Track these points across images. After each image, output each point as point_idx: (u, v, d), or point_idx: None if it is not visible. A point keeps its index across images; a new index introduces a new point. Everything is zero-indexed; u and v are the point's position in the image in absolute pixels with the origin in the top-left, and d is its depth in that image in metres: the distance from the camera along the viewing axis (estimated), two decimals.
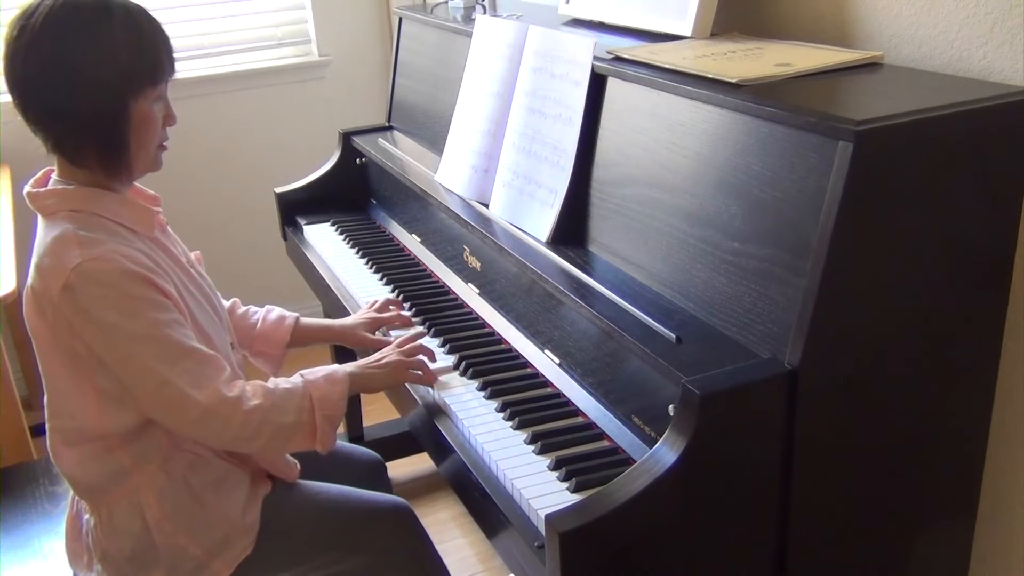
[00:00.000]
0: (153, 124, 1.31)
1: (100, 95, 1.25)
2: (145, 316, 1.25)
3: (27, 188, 1.33)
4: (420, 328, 1.73)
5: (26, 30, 1.23)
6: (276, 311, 1.70)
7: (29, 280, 1.27)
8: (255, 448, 1.35)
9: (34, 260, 1.27)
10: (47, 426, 1.36)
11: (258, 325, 1.67)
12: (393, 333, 1.72)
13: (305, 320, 1.72)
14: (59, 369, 1.31)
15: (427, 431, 1.51)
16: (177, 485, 1.37)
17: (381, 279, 1.97)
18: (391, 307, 1.78)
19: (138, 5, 1.30)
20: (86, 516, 1.40)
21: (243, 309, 1.69)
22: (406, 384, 1.57)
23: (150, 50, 1.29)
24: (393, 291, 1.90)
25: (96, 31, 1.24)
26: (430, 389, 1.54)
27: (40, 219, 1.31)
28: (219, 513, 1.39)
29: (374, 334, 1.72)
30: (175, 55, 1.33)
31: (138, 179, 1.38)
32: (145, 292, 1.26)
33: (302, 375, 1.40)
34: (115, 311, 1.23)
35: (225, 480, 1.41)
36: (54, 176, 1.33)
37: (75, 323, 1.24)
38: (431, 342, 1.67)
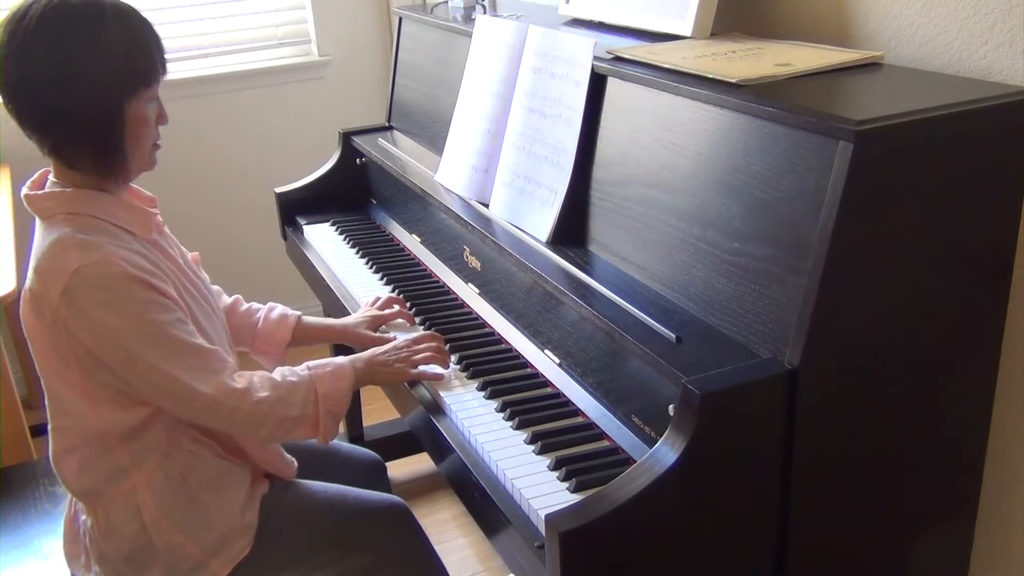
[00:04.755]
0: (148, 124, 1.31)
1: (97, 97, 1.25)
2: (147, 318, 1.25)
3: (24, 190, 1.32)
4: (423, 331, 1.73)
5: (18, 33, 1.22)
6: (278, 309, 1.70)
7: (27, 282, 1.27)
8: (259, 437, 1.39)
9: (32, 263, 1.27)
10: (49, 427, 1.36)
11: (259, 324, 1.68)
12: (395, 333, 1.72)
13: (307, 319, 1.72)
14: (55, 370, 1.31)
15: (427, 431, 1.51)
16: (174, 484, 1.37)
17: (381, 279, 1.97)
18: (393, 305, 1.77)
19: (129, 6, 1.29)
20: (83, 517, 1.41)
21: (245, 306, 1.69)
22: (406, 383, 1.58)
23: (143, 51, 1.28)
24: (393, 291, 1.90)
25: (91, 33, 1.23)
26: (429, 389, 1.54)
27: (38, 221, 1.31)
28: (217, 512, 1.39)
29: (376, 332, 1.72)
30: (172, 55, 1.33)
31: (134, 179, 1.38)
32: (146, 295, 1.26)
33: (308, 367, 1.41)
34: (116, 314, 1.23)
35: (223, 479, 1.41)
36: (51, 178, 1.33)
37: (74, 326, 1.24)
38: None
